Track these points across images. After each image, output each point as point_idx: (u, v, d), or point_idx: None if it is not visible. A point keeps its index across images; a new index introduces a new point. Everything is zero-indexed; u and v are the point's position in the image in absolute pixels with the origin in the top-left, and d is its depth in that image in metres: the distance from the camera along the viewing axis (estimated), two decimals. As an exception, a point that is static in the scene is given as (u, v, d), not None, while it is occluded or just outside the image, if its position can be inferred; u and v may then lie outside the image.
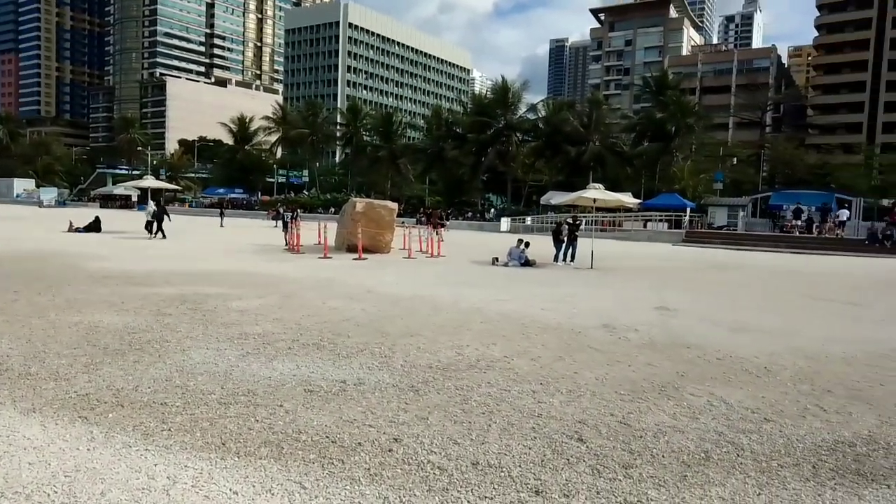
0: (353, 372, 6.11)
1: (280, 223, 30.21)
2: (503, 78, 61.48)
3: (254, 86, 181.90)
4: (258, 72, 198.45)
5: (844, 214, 36.88)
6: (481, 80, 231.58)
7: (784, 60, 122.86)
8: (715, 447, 4.39)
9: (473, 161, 60.78)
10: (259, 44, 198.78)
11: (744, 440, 4.54)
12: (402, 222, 30.53)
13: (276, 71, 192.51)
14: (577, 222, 21.39)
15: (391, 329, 8.25)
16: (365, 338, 7.65)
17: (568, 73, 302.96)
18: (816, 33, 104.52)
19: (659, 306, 11.00)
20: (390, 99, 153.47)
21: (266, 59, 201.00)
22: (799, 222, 36.68)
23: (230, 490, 3.50)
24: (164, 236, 24.46)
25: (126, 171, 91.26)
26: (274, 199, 68.88)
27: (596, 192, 20.20)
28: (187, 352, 6.65)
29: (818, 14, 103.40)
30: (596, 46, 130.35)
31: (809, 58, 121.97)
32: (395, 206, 23.04)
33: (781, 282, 16.64)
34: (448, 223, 25.10)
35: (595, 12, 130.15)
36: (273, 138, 78.40)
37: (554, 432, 4.59)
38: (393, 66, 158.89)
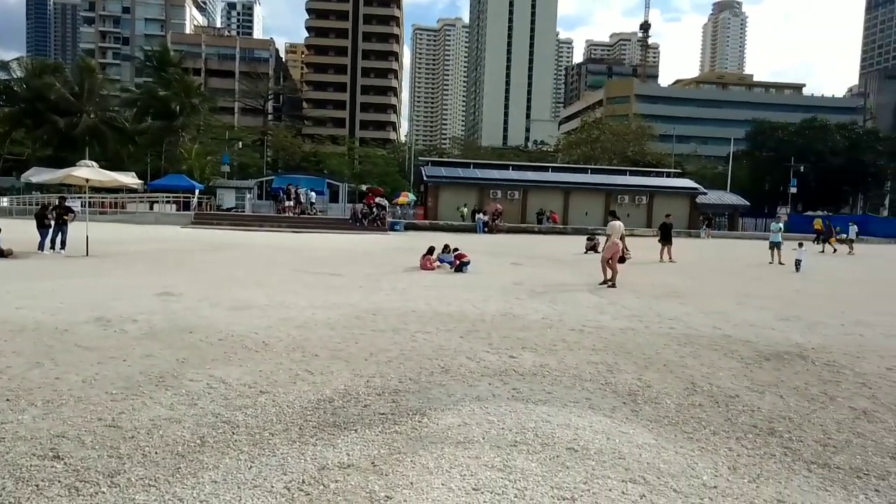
0: None
1: None
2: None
3: None
4: None
5: (313, 196, 41.96)
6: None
7: (282, 54, 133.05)
8: (211, 430, 4.38)
9: (-86, 125, 46.75)
10: None
11: (239, 417, 4.67)
12: None
13: None
14: (68, 204, 18.75)
15: None
16: None
17: (54, 32, 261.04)
18: (308, 34, 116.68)
19: (162, 292, 10.50)
20: None
21: None
22: (289, 203, 40.43)
23: None
24: None
25: None
26: None
27: (88, 171, 17.95)
28: None
29: (308, 17, 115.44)
30: (88, 7, 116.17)
31: (303, 55, 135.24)
32: None
33: (279, 258, 18.01)
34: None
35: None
36: None
37: (21, 456, 3.82)
38: None
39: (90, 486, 3.47)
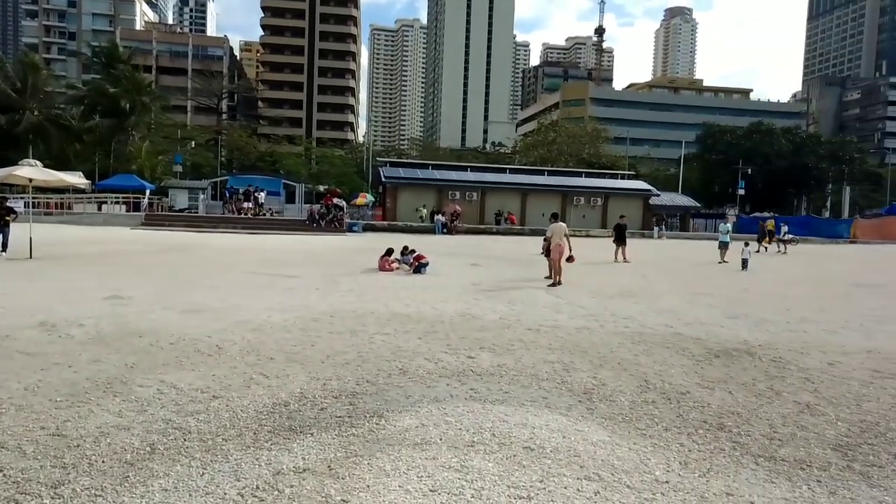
0: None
1: None
2: None
3: None
4: None
5: (262, 197, 41.08)
6: None
7: (237, 52, 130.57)
8: (162, 437, 4.26)
9: None
10: None
11: (191, 422, 4.56)
12: None
13: None
14: (8, 204, 18.01)
15: None
16: None
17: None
18: (263, 32, 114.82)
19: (111, 295, 10.18)
20: None
21: None
22: (248, 204, 39.61)
23: None
24: None
25: None
26: None
27: (32, 170, 17.26)
28: None
29: (263, 15, 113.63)
30: (30, 0, 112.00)
31: (258, 54, 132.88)
32: None
33: (233, 260, 17.66)
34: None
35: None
36: None
37: (-43, 469, 3.65)
38: None
39: (32, 499, 3.34)
